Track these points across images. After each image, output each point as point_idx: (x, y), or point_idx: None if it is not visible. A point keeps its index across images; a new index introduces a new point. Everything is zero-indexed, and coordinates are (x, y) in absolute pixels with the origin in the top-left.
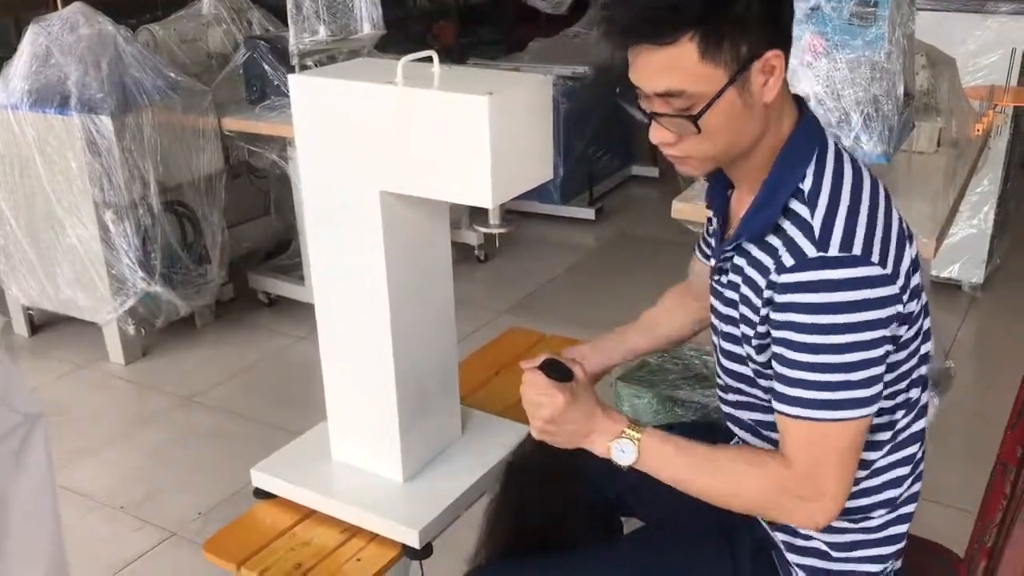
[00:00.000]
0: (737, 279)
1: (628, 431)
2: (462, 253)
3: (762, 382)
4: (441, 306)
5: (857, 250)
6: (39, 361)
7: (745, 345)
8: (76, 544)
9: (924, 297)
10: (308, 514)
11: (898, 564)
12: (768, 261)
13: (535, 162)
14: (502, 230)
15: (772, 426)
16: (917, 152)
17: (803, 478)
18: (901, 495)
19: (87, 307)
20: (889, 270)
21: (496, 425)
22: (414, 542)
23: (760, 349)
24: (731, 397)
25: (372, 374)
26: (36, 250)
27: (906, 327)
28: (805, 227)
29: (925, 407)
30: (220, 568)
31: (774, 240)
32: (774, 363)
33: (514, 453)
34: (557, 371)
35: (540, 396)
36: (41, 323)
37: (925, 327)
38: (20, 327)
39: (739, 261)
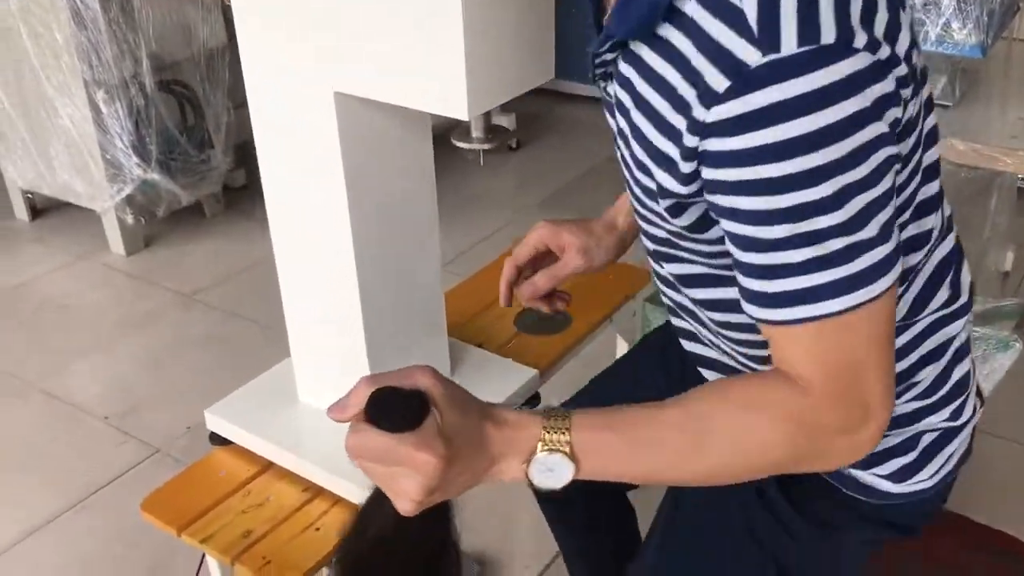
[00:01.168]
0: (626, 100)
1: (547, 435)
2: (498, 137)
3: (697, 236)
4: (421, 227)
5: (828, 35)
6: (39, 248)
7: (652, 202)
8: (56, 457)
9: (927, 86)
10: (267, 466)
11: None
12: (681, 85)
13: (529, 57)
14: (485, 146)
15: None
16: (1020, 40)
17: (835, 400)
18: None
19: (84, 193)
20: (884, 52)
21: (493, 365)
22: None
23: (677, 211)
24: (664, 271)
25: (336, 304)
26: (30, 131)
27: (910, 136)
28: (731, 15)
29: (947, 227)
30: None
31: (682, 43)
32: (732, 248)
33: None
34: (394, 408)
35: (397, 468)
36: (43, 207)
37: (927, 129)
38: (20, 211)
39: (627, 71)
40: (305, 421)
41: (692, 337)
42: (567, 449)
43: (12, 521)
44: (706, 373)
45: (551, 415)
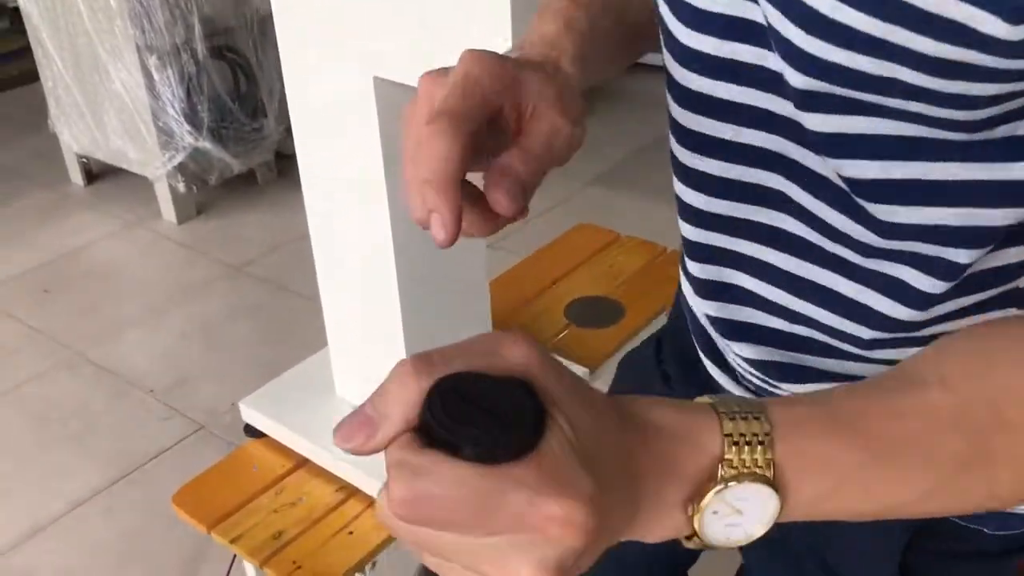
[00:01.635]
0: None
1: (734, 450)
2: None
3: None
4: None
5: None
6: (92, 214)
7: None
8: (102, 430)
9: None
10: (302, 463)
11: None
12: None
13: None
14: None
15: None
16: None
17: None
18: None
19: (136, 160)
20: None
21: None
22: None
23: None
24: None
25: (373, 293)
26: (84, 95)
27: None
28: None
29: None
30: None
31: None
32: None
33: None
34: (481, 414)
35: (501, 539)
36: (98, 172)
37: None
38: (76, 176)
39: None
40: (341, 416)
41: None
42: (768, 472)
43: (58, 494)
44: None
45: (730, 408)
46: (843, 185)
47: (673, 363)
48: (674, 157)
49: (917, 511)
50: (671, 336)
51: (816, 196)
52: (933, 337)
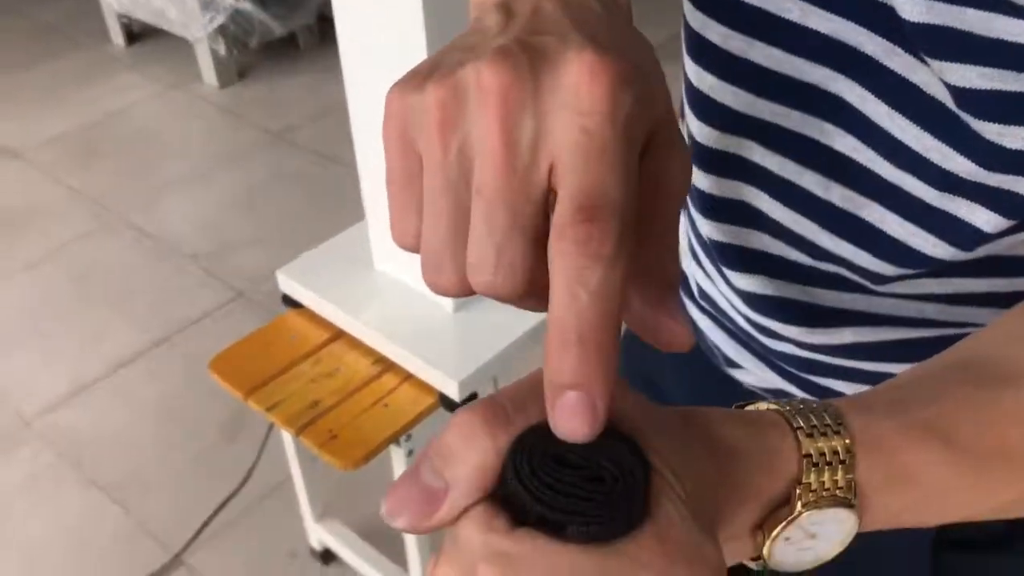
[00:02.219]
0: None
1: (813, 474)
2: None
3: None
4: None
5: None
6: (133, 76)
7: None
8: (142, 294)
9: None
10: (339, 334)
11: None
12: None
13: None
14: None
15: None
16: None
17: None
18: None
19: (177, 20)
20: None
21: None
22: (453, 393)
23: None
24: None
25: None
26: None
27: None
28: None
29: None
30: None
31: None
32: None
33: None
34: (576, 483)
35: None
36: (138, 33)
37: None
38: (116, 36)
39: None
40: (380, 290)
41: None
42: (849, 495)
43: (98, 356)
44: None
45: (807, 422)
46: (940, 96)
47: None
48: (695, 34)
49: (994, 516)
50: None
51: (894, 107)
52: (956, 269)
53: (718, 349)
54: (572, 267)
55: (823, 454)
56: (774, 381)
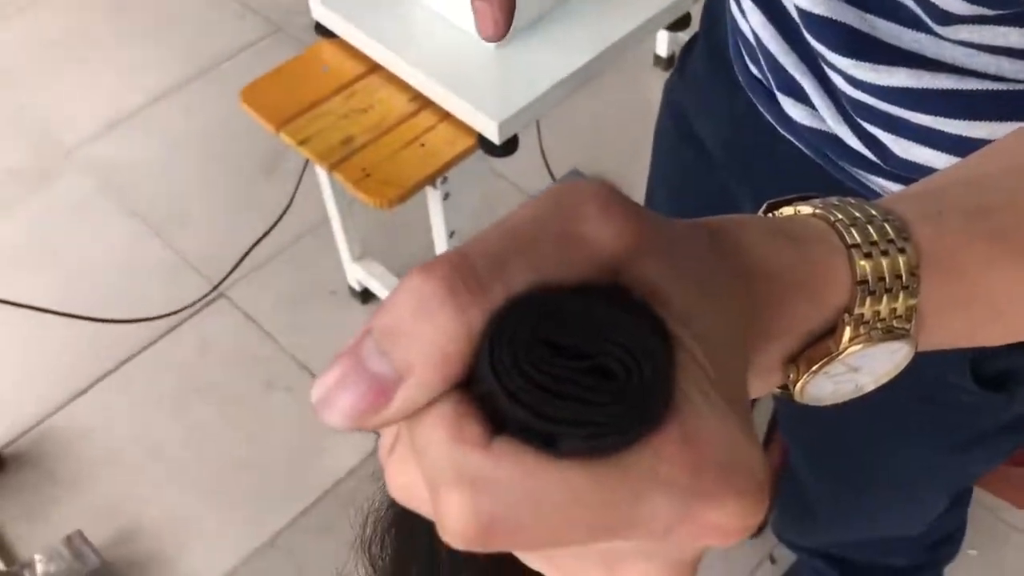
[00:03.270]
0: None
1: (869, 302)
2: None
3: None
4: None
5: None
6: None
7: None
8: (179, 26)
9: None
10: (374, 68)
11: None
12: None
13: None
14: None
15: None
16: None
17: None
18: None
19: None
20: None
21: None
22: (492, 134)
23: None
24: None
25: None
26: None
27: None
28: None
29: None
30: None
31: None
32: None
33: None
34: (565, 349)
35: (626, 546)
36: None
37: None
38: None
39: None
40: (419, 23)
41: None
42: (908, 325)
43: (139, 88)
44: None
45: (865, 236)
46: None
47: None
48: None
49: None
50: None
51: None
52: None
53: (774, 64)
54: None
55: (882, 279)
56: (827, 120)
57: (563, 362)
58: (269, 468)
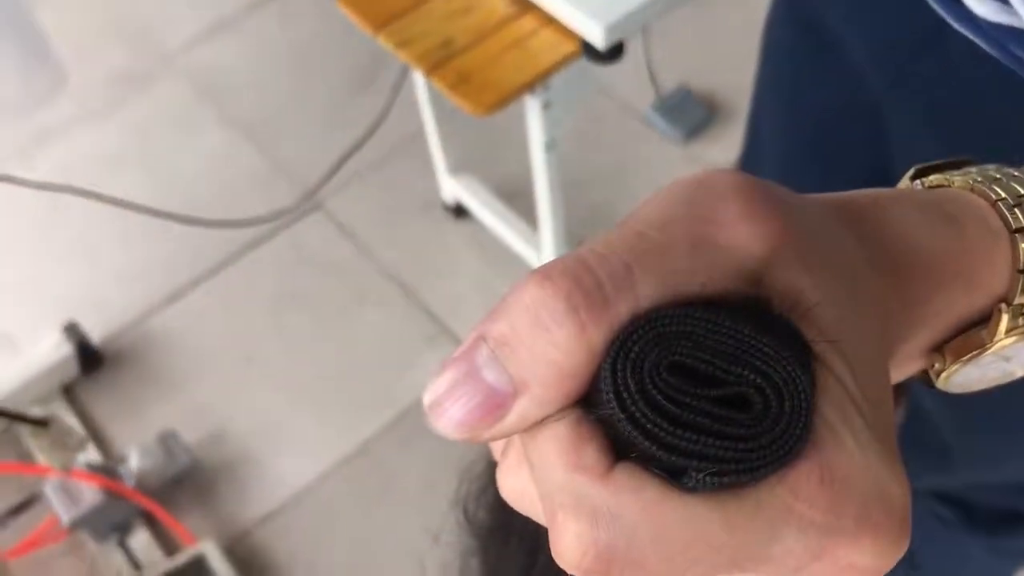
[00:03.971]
0: None
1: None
2: None
3: None
4: None
5: None
6: None
7: None
8: None
9: None
10: None
11: None
12: None
13: None
14: None
15: None
16: None
17: None
18: None
19: None
20: None
21: None
22: (597, 39)
23: None
24: None
25: None
26: None
27: None
28: None
29: None
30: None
31: None
32: None
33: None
34: (698, 375)
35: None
36: None
37: None
38: None
39: None
40: None
41: None
42: None
43: None
44: None
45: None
46: None
47: None
48: None
49: None
50: None
51: None
52: None
53: None
54: None
55: None
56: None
57: (693, 390)
58: (359, 379)
